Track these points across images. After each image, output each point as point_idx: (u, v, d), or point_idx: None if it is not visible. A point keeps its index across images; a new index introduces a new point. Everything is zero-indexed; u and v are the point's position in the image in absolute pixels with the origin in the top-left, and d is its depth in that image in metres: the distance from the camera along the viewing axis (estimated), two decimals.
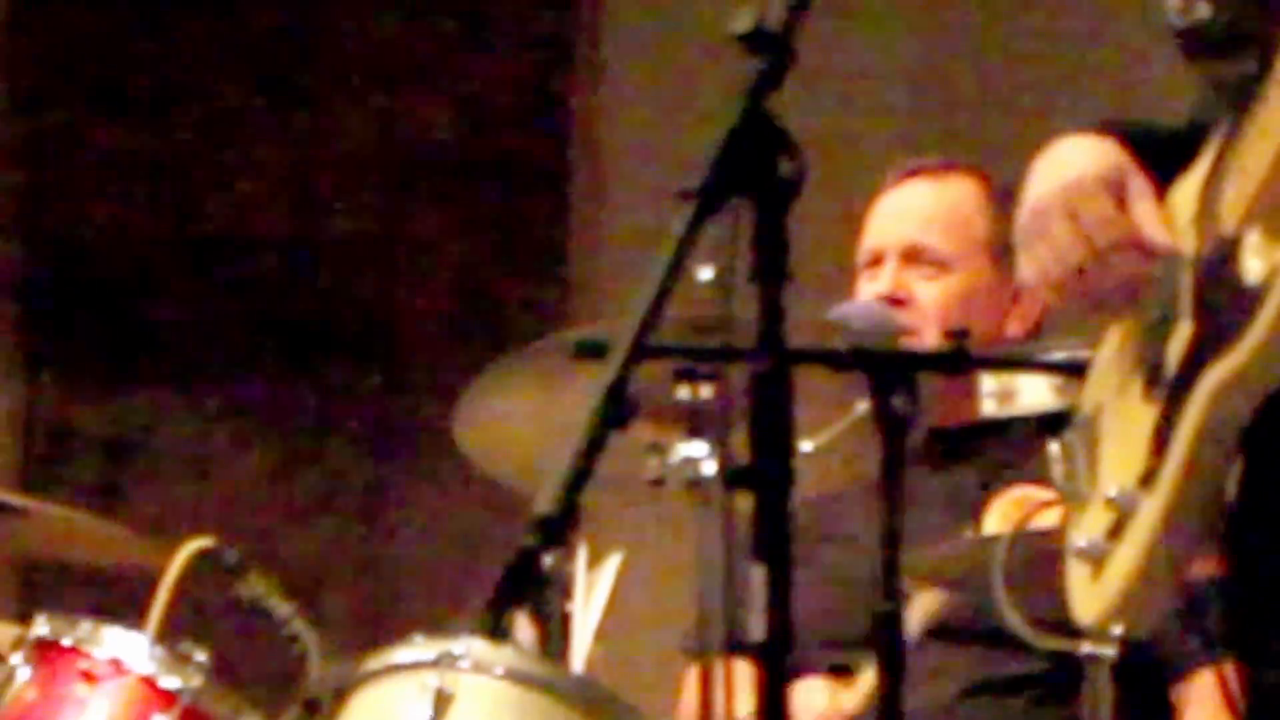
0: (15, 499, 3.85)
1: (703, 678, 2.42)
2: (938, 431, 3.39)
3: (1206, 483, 2.19)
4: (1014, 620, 2.97)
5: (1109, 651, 2.82)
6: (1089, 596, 2.27)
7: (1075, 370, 2.88)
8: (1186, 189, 2.26)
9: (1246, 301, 2.12)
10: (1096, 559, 2.26)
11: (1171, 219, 2.26)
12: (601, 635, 3.45)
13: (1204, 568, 2.30)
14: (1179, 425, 2.18)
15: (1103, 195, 2.26)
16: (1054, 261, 2.30)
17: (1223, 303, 2.16)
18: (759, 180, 2.16)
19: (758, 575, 2.22)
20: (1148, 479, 2.21)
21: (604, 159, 6.32)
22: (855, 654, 3.16)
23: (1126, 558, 2.22)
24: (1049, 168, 2.31)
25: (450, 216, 6.36)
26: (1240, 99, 2.21)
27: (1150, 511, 2.20)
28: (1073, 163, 2.30)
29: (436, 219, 6.36)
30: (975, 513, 3.43)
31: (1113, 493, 2.24)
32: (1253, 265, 2.12)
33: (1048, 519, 3.29)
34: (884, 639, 2.78)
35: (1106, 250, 2.26)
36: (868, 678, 3.08)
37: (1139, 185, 2.28)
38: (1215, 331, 2.16)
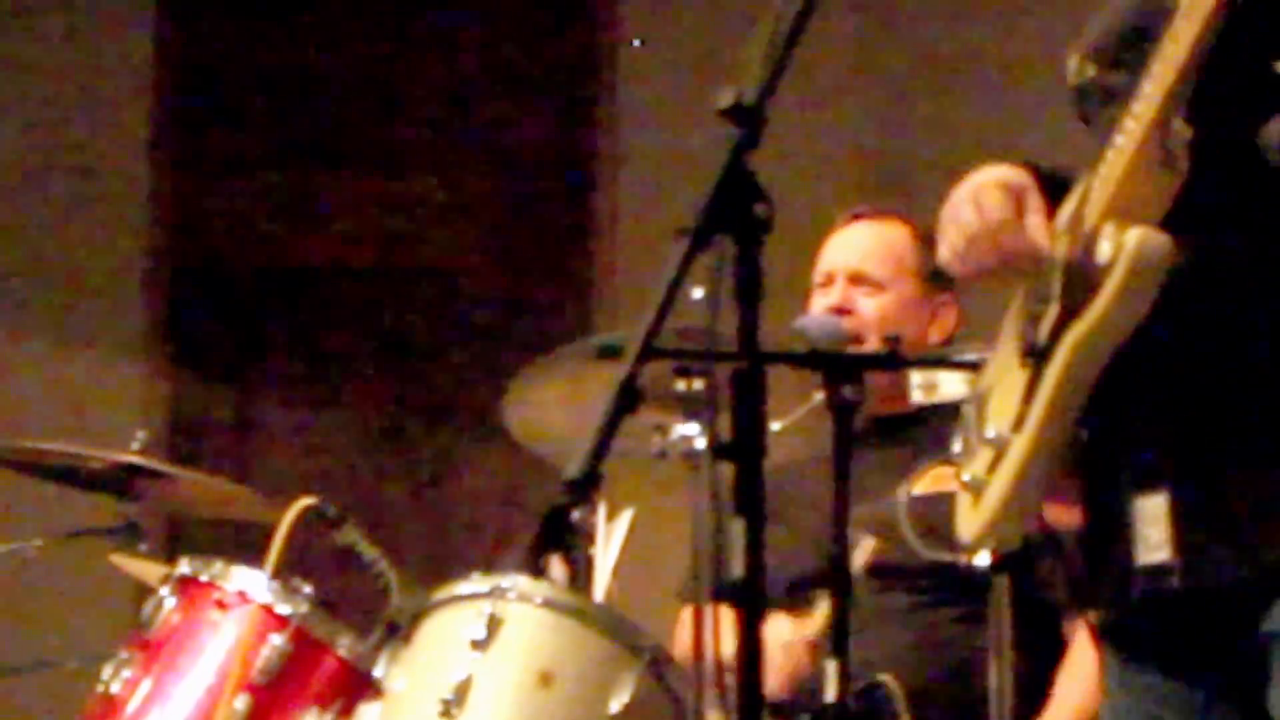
0: (164, 467, 3.84)
1: (695, 617, 2.41)
2: (877, 416, 3.40)
3: (1062, 425, 2.18)
4: (917, 543, 2.96)
5: (983, 563, 2.81)
6: (970, 520, 2.26)
7: (980, 368, 2.89)
8: (1063, 210, 2.25)
9: (1098, 277, 2.11)
10: (977, 490, 2.25)
11: (1054, 231, 2.25)
12: (616, 574, 3.44)
13: (1071, 521, 2.29)
14: (1044, 378, 2.17)
15: (1002, 191, 2.26)
16: (958, 233, 2.28)
17: (1081, 285, 2.15)
18: (739, 221, 2.15)
19: (737, 528, 2.22)
20: (1018, 423, 2.21)
21: (619, 201, 6.30)
22: (813, 590, 3.15)
23: (999, 486, 2.21)
24: (973, 176, 2.31)
25: (498, 248, 6.34)
26: (1106, 134, 2.20)
27: (1018, 447, 2.19)
28: (989, 171, 2.30)
29: (487, 250, 6.34)
30: (908, 481, 3.44)
31: (991, 434, 2.24)
32: (1104, 248, 2.11)
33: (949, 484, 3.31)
34: (835, 574, 2.76)
35: (995, 230, 2.25)
36: (823, 609, 3.06)
37: (1035, 201, 2.27)
38: (1075, 306, 2.15)
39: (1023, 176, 2.29)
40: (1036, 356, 2.20)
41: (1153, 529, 2.17)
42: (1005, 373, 2.29)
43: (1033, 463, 2.19)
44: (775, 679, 3.05)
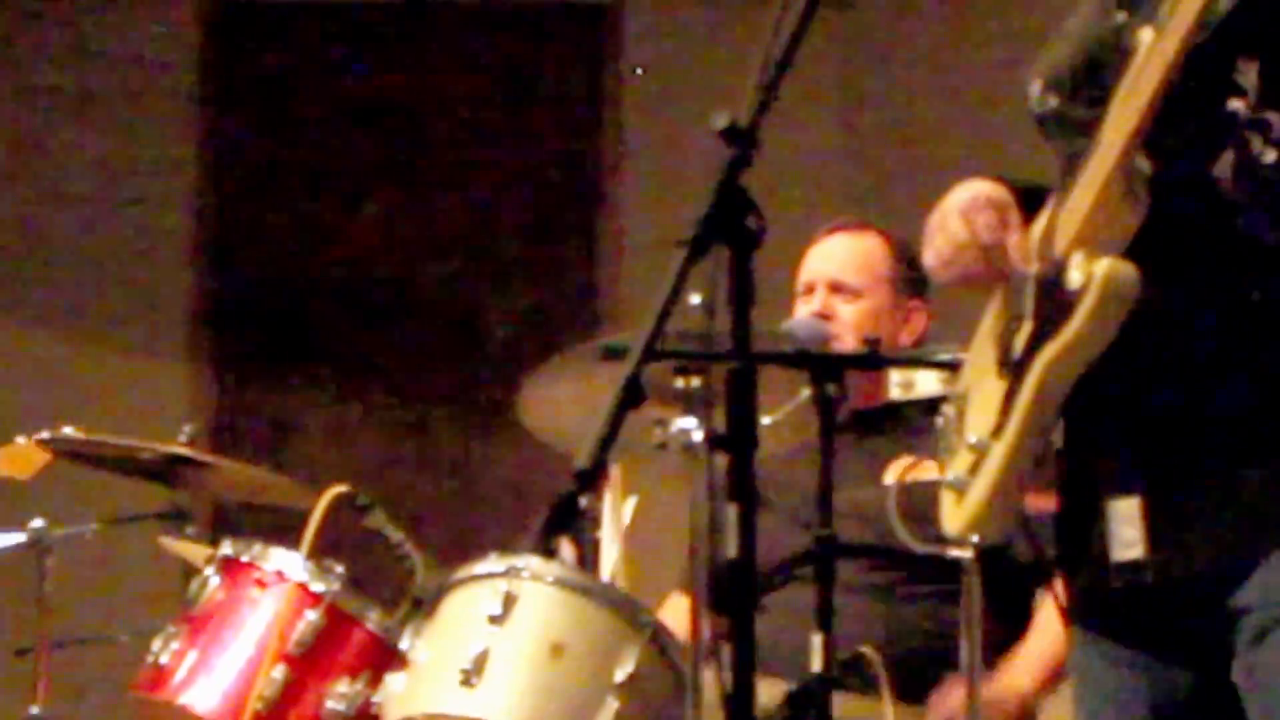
0: (208, 458, 3.84)
1: (692, 601, 2.41)
2: (857, 411, 3.38)
3: (1037, 434, 2.18)
4: (904, 536, 2.95)
5: (968, 554, 2.80)
6: (954, 516, 2.26)
7: (953, 367, 2.88)
8: (1036, 227, 2.24)
9: (1069, 303, 2.10)
10: (960, 489, 2.24)
11: (1029, 247, 2.25)
12: (621, 555, 3.43)
13: (1046, 506, 2.28)
14: (1020, 391, 2.17)
15: (990, 208, 2.25)
16: (946, 243, 2.28)
17: (1053, 306, 2.14)
18: (733, 233, 2.15)
19: (731, 512, 2.22)
20: (997, 430, 2.20)
21: (623, 216, 6.30)
22: (798, 567, 3.15)
23: (980, 487, 2.21)
24: (957, 191, 2.30)
25: (513, 259, 6.35)
26: (1074, 163, 2.19)
27: (998, 453, 2.19)
28: (973, 187, 2.29)
29: (503, 261, 6.35)
30: (883, 469, 3.43)
31: (973, 440, 2.23)
32: (1075, 276, 2.10)
33: (928, 474, 3.30)
34: (822, 553, 2.76)
35: (983, 239, 2.25)
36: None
37: (1014, 218, 2.26)
38: (1047, 326, 2.14)
39: (1004, 194, 2.29)
40: (1013, 368, 2.20)
41: (1127, 528, 2.18)
42: (983, 379, 2.28)
43: (1011, 467, 2.19)
44: None
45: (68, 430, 3.86)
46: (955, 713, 3.26)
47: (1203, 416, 2.15)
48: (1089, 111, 2.19)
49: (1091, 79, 2.23)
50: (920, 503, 3.13)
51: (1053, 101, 2.32)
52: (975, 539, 2.30)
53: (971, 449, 2.23)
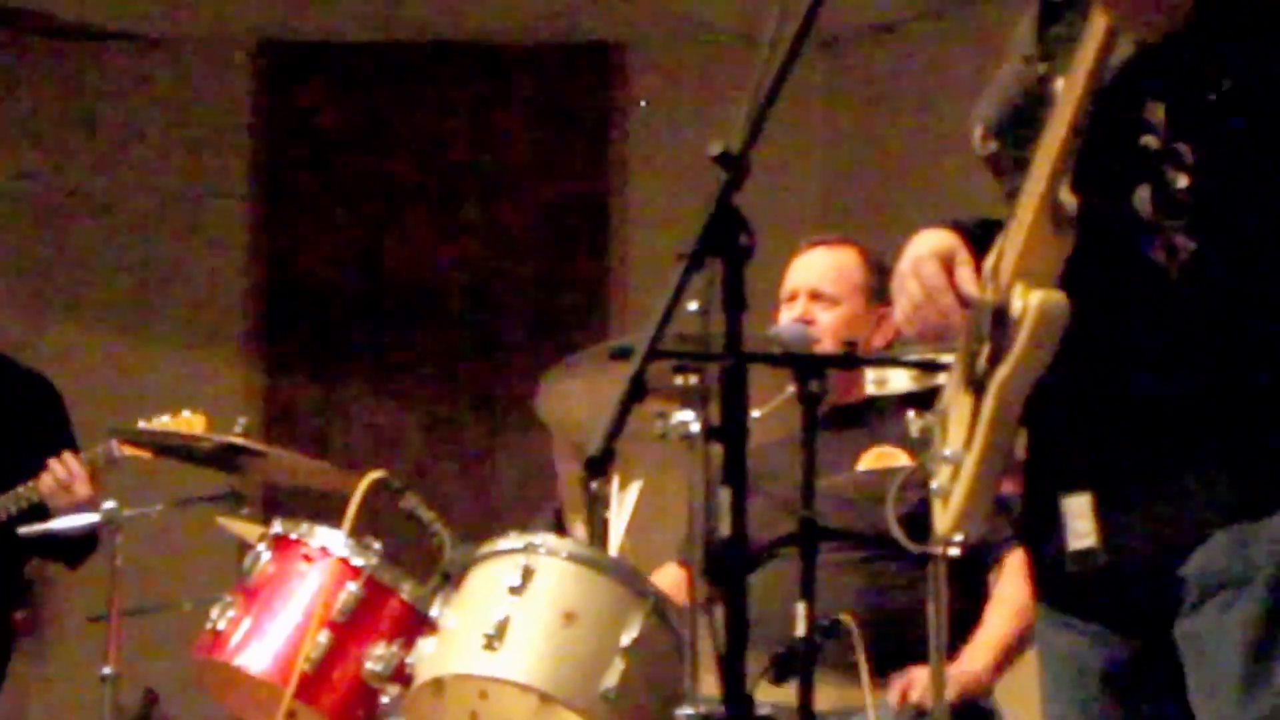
0: (261, 447, 3.85)
1: (689, 574, 2.42)
2: (836, 406, 3.38)
3: (1000, 444, 2.18)
4: (897, 532, 2.96)
5: (955, 550, 2.81)
6: (941, 519, 2.25)
7: (921, 366, 2.88)
8: (989, 259, 2.25)
9: (1014, 329, 2.12)
10: (944, 496, 2.24)
11: (982, 279, 2.25)
12: (627, 533, 3.44)
13: (1010, 487, 2.29)
14: (982, 408, 2.17)
15: (937, 264, 2.26)
16: (908, 304, 2.29)
17: (1004, 331, 2.15)
18: (727, 247, 2.15)
19: (725, 495, 2.22)
20: (968, 443, 2.20)
21: (628, 232, 6.31)
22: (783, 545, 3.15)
23: (959, 493, 2.21)
24: (911, 247, 2.31)
25: (532, 270, 6.36)
26: (1013, 199, 2.20)
27: (969, 463, 2.19)
28: (923, 243, 2.29)
29: (523, 272, 6.36)
30: (859, 458, 3.43)
31: (947, 453, 2.23)
32: (1016, 305, 2.11)
33: (899, 461, 3.32)
34: (805, 532, 2.76)
35: (935, 296, 2.26)
36: None
37: (963, 256, 2.26)
38: (1000, 349, 2.15)
39: (949, 238, 2.28)
40: (976, 385, 2.21)
41: (1080, 522, 2.19)
42: (956, 396, 2.29)
43: (982, 474, 2.19)
44: None
45: (141, 423, 3.89)
46: (912, 685, 3.27)
47: (1140, 422, 2.16)
48: (1021, 153, 2.20)
49: (1021, 124, 2.24)
50: (883, 486, 3.14)
51: (992, 145, 2.32)
52: (960, 537, 2.31)
53: (948, 461, 2.23)
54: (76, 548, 4.39)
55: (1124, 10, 1.98)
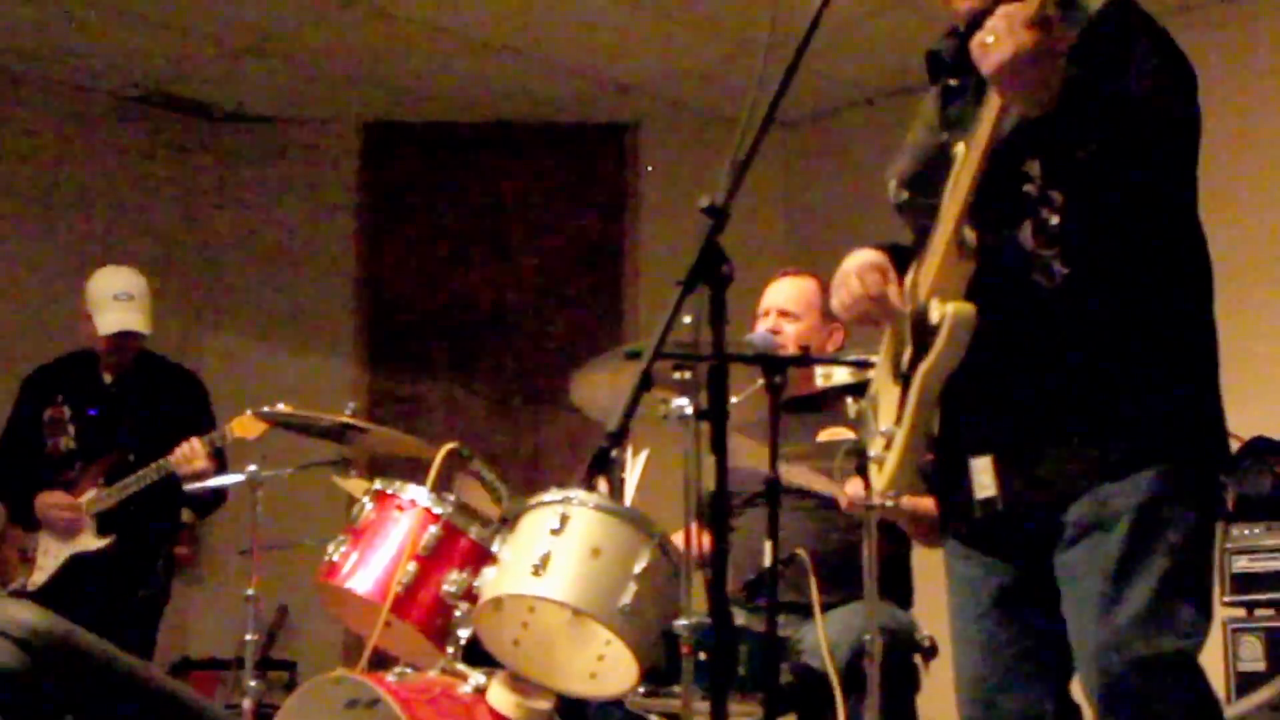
0: (365, 424, 3.85)
1: (685, 526, 2.41)
2: (795, 396, 3.37)
3: (924, 420, 2.18)
4: (836, 490, 2.94)
5: (890, 503, 2.79)
6: (879, 480, 2.25)
7: (859, 365, 2.86)
8: (908, 280, 2.24)
9: (932, 334, 2.11)
10: (880, 462, 2.24)
11: (903, 292, 2.24)
12: (637, 490, 3.43)
13: (924, 460, 2.28)
14: (909, 394, 2.17)
15: (878, 274, 2.25)
16: (847, 295, 2.28)
17: (923, 335, 2.14)
18: (712, 276, 2.14)
19: (710, 460, 2.21)
20: (898, 420, 2.19)
21: (639, 265, 6.32)
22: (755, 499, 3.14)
23: (892, 460, 2.21)
24: (853, 257, 2.31)
25: (565, 294, 6.38)
26: (924, 236, 2.19)
27: (900, 435, 2.19)
28: (864, 255, 2.29)
29: (559, 296, 6.37)
30: (814, 434, 3.42)
31: (883, 429, 2.22)
32: (934, 314, 2.11)
33: (844, 435, 3.29)
34: (771, 491, 2.75)
35: (871, 294, 2.24)
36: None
37: (891, 274, 2.26)
38: (921, 349, 2.15)
39: (881, 256, 2.29)
40: (903, 378, 2.20)
41: (983, 477, 2.19)
42: (884, 386, 2.29)
43: (910, 445, 2.19)
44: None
45: (280, 406, 3.88)
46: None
47: (1028, 403, 2.17)
48: (929, 201, 2.19)
49: (928, 178, 2.23)
50: (833, 452, 3.13)
51: (904, 195, 2.33)
52: (893, 494, 2.30)
53: (883, 435, 2.23)
54: (206, 505, 4.41)
55: (1012, 95, 1.97)
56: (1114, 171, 2.02)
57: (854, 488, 3.15)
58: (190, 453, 4.15)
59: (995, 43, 1.92)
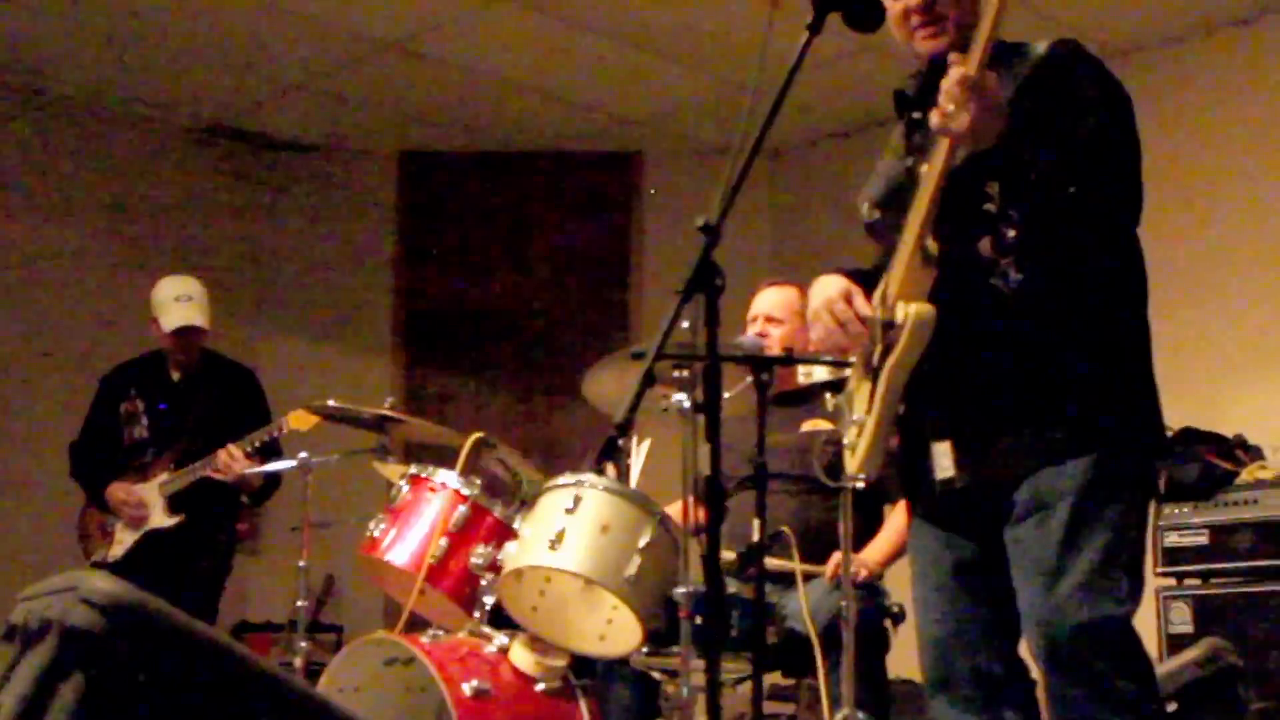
0: (402, 416, 3.85)
1: (684, 505, 2.41)
2: (780, 392, 3.38)
3: (891, 410, 2.18)
4: (820, 474, 2.95)
5: (860, 484, 2.79)
6: (851, 464, 2.25)
7: (837, 364, 2.87)
8: (878, 292, 2.24)
9: (898, 331, 2.11)
10: (853, 449, 2.24)
11: (874, 305, 2.24)
12: (641, 474, 3.43)
13: (891, 445, 2.29)
14: (877, 387, 2.17)
15: (845, 303, 2.24)
16: (823, 332, 2.28)
17: (891, 335, 2.15)
18: (708, 286, 2.14)
19: (705, 448, 2.20)
20: (868, 410, 2.19)
21: (644, 276, 6.30)
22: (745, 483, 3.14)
23: (863, 446, 2.21)
24: (818, 288, 2.31)
25: (579, 301, 6.35)
26: (892, 250, 2.19)
27: (870, 424, 2.19)
28: (829, 285, 2.28)
29: (577, 304, 6.34)
30: (796, 426, 3.41)
31: (855, 418, 2.22)
32: (899, 314, 2.11)
33: (823, 427, 3.30)
34: (759, 476, 2.75)
35: (841, 323, 2.24)
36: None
37: (857, 293, 2.26)
38: (888, 347, 2.15)
39: (843, 281, 2.29)
40: (873, 373, 2.20)
41: (944, 459, 2.20)
42: (858, 381, 2.29)
43: (879, 432, 2.19)
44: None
45: (330, 401, 3.89)
46: (838, 566, 3.23)
47: (984, 395, 2.17)
48: (896, 218, 2.19)
49: (896, 199, 2.24)
50: (813, 442, 3.13)
51: (875, 214, 2.33)
52: (863, 476, 2.31)
53: (855, 424, 2.23)
54: (259, 494, 4.41)
55: (957, 140, 2.01)
56: (1061, 192, 2.02)
57: (836, 565, 3.17)
58: (228, 459, 4.14)
59: (954, 112, 1.97)
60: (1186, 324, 4.82)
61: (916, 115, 2.26)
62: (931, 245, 2.11)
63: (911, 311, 2.08)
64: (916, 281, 2.12)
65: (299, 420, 4.10)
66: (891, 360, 2.12)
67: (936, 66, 2.13)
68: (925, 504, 2.28)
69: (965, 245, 2.12)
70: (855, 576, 3.09)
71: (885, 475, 2.39)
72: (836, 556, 3.22)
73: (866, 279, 2.28)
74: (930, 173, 2.07)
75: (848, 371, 2.41)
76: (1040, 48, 2.17)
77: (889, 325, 2.15)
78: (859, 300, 2.24)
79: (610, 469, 2.96)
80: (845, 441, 2.27)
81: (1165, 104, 4.97)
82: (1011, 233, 2.08)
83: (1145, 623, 2.42)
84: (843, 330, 2.24)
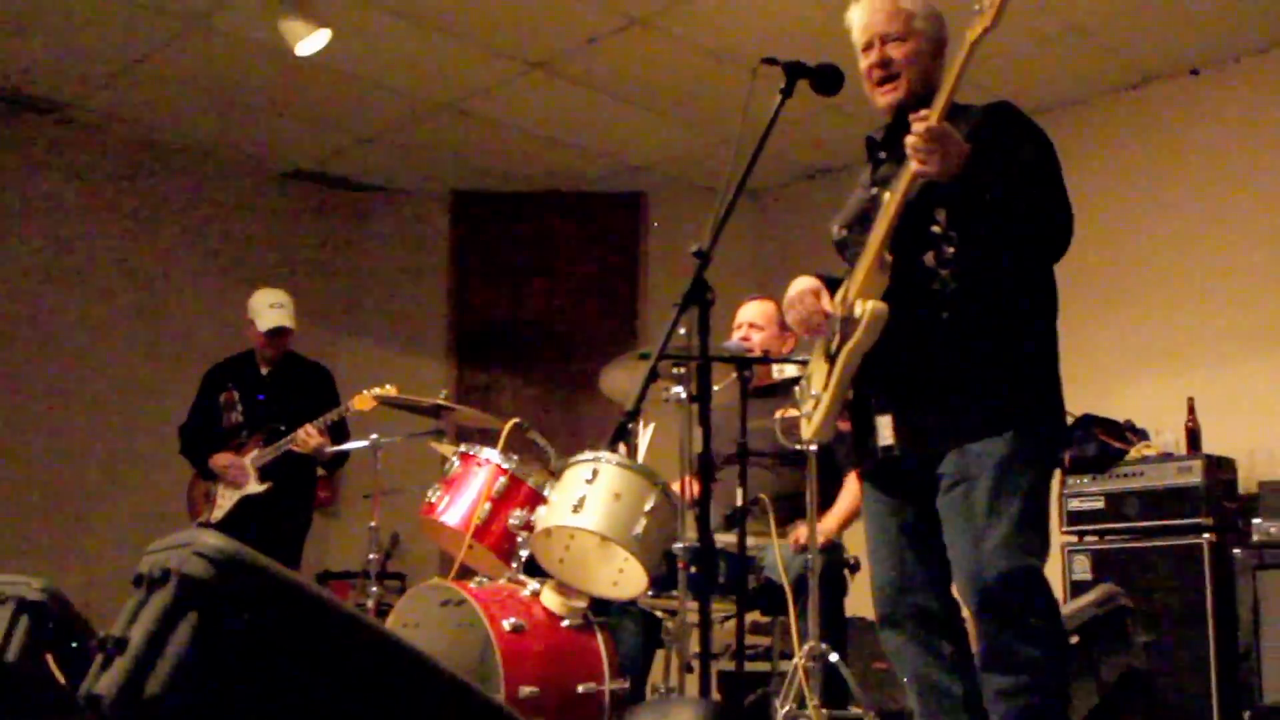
0: (453, 405, 3.86)
1: (681, 478, 2.40)
2: (759, 385, 3.37)
3: (844, 388, 2.18)
4: (784, 441, 2.95)
5: (814, 449, 2.77)
6: (807, 431, 2.26)
7: (804, 363, 2.85)
8: (840, 294, 2.24)
9: (854, 324, 2.11)
10: (810, 419, 2.24)
11: (835, 304, 2.24)
12: (647, 451, 3.43)
13: (845, 426, 2.29)
14: (834, 369, 2.17)
15: (813, 297, 2.25)
16: (796, 316, 2.27)
17: (848, 326, 2.15)
18: (700, 300, 2.14)
19: (699, 431, 2.21)
20: (825, 387, 2.23)
21: (649, 293, 6.27)
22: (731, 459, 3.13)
23: (818, 416, 2.21)
24: (795, 285, 2.31)
25: (595, 312, 6.33)
26: (854, 261, 2.19)
27: (825, 399, 2.19)
28: (802, 283, 2.29)
29: (595, 315, 6.32)
30: (773, 413, 3.41)
31: (814, 393, 2.23)
32: (857, 310, 2.12)
33: (793, 414, 3.28)
34: (741, 453, 2.75)
35: (813, 312, 2.24)
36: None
37: (824, 293, 2.26)
38: (845, 337, 2.15)
39: (815, 281, 2.30)
40: (830, 358, 2.20)
41: (885, 432, 2.19)
42: (818, 364, 2.29)
43: (833, 406, 2.19)
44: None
45: (388, 387, 3.89)
46: (800, 533, 3.21)
47: (920, 377, 2.17)
48: (860, 237, 2.20)
49: (860, 222, 2.24)
50: (790, 425, 3.12)
51: (844, 234, 2.33)
52: (818, 441, 2.31)
53: (814, 398, 2.23)
54: (331, 465, 4.40)
55: (933, 178, 2.01)
56: (995, 220, 2.03)
57: (798, 532, 3.15)
58: (305, 435, 4.17)
59: (927, 156, 1.99)
60: (1089, 330, 4.89)
61: (883, 155, 2.26)
62: (887, 256, 2.12)
63: (869, 307, 2.10)
64: (873, 285, 2.13)
65: (361, 402, 4.10)
66: (848, 346, 2.13)
67: (899, 118, 2.16)
68: (873, 472, 2.28)
69: (913, 257, 2.13)
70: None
71: (838, 449, 2.39)
72: (801, 528, 3.22)
73: (832, 285, 2.28)
74: (892, 200, 2.09)
75: (810, 358, 2.42)
76: (978, 108, 2.18)
77: (847, 320, 2.16)
78: (824, 297, 2.25)
79: (622, 447, 2.96)
80: (804, 411, 2.27)
81: (1076, 152, 4.96)
82: (950, 250, 2.09)
83: (1053, 572, 2.42)
84: (812, 318, 2.25)
